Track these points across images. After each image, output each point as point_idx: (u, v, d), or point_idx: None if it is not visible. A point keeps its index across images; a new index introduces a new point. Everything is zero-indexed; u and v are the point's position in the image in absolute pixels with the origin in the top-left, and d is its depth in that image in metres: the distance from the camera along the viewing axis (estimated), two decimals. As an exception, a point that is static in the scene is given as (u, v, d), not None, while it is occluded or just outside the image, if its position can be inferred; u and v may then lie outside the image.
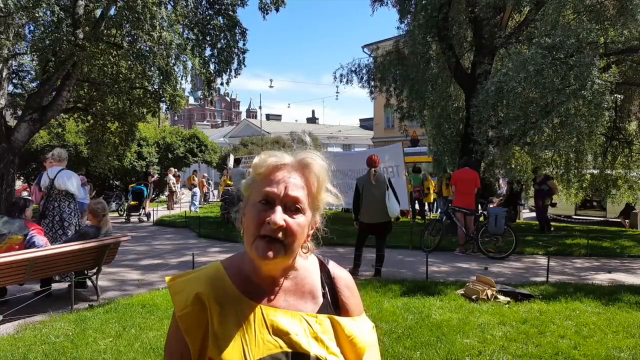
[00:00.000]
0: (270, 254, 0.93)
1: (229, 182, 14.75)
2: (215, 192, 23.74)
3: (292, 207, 0.96)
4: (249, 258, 1.00)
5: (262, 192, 0.96)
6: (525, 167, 11.73)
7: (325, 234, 1.08)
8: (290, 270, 1.03)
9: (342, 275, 1.11)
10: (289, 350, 0.95)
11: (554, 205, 11.77)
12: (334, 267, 1.12)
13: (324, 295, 1.06)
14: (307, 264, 1.07)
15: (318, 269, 1.09)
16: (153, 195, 18.74)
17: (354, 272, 6.44)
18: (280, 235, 0.93)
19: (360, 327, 1.05)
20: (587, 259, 8.39)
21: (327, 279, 1.08)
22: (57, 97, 9.21)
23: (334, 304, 1.06)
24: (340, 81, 13.54)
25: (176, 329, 0.98)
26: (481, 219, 8.71)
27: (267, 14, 11.03)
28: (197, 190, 17.79)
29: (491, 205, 10.00)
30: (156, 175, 17.05)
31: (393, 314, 4.78)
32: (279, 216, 0.93)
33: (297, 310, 1.00)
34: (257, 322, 0.96)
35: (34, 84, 12.81)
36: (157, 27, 8.35)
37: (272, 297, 1.00)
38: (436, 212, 15.09)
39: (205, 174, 22.91)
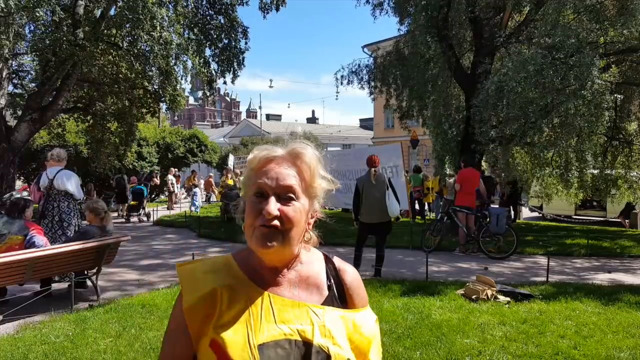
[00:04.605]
0: (269, 242, 0.94)
1: (229, 182, 14.74)
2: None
3: (285, 196, 0.97)
4: (254, 252, 1.02)
5: (255, 185, 0.98)
6: (525, 167, 11.71)
7: (326, 220, 1.09)
8: (295, 263, 1.04)
9: (347, 268, 1.13)
10: (293, 338, 0.96)
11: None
12: (339, 261, 1.13)
13: (329, 287, 1.07)
14: (311, 257, 1.09)
15: (323, 262, 1.11)
16: (153, 196, 18.75)
17: (354, 272, 6.43)
18: (277, 223, 0.95)
19: (365, 320, 1.07)
20: (587, 259, 8.38)
21: (333, 272, 1.10)
22: (57, 97, 9.22)
23: (339, 297, 1.07)
24: (342, 83, 13.61)
25: (180, 310, 0.99)
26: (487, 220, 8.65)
27: (268, 12, 11.05)
28: (197, 190, 17.78)
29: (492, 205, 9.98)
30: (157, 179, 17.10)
31: (393, 314, 4.78)
32: (272, 206, 0.94)
33: (302, 302, 1.02)
34: (264, 308, 0.97)
35: (34, 84, 12.81)
36: (157, 27, 8.35)
37: (278, 287, 1.01)
38: (434, 212, 15.05)
39: (212, 174, 22.74)
